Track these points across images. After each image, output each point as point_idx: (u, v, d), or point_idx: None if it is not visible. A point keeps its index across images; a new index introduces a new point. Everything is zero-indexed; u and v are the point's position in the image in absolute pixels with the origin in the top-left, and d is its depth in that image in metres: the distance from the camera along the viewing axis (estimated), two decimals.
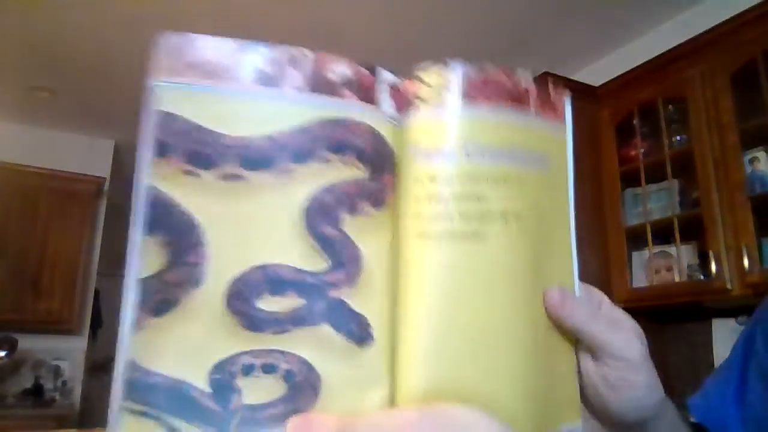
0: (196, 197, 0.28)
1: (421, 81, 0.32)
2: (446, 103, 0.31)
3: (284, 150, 0.29)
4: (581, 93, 2.45)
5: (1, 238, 3.38)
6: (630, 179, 2.29)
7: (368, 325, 0.29)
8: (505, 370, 0.30)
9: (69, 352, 3.67)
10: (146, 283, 0.26)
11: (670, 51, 2.15)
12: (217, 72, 0.29)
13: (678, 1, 2.43)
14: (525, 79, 0.33)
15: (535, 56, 2.80)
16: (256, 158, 0.28)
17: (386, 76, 0.32)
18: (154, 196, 0.27)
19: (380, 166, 0.31)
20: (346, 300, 0.29)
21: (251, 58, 0.29)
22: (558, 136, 0.35)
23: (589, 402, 0.35)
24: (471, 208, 0.30)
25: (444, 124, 0.31)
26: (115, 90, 3.27)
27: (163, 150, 0.27)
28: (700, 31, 2.05)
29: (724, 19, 1.98)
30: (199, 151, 0.28)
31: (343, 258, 0.29)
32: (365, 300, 0.29)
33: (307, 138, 0.29)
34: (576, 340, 0.35)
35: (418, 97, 0.31)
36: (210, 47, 0.29)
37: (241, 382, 0.27)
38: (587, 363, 0.35)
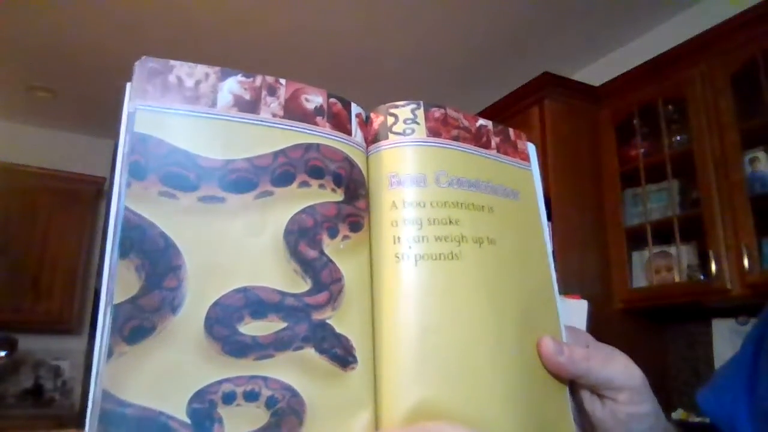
0: (173, 219, 0.27)
1: (391, 115, 0.33)
2: (416, 135, 0.33)
3: (264, 173, 0.29)
4: (581, 93, 2.45)
5: (1, 238, 3.38)
6: (630, 179, 2.29)
7: (352, 347, 0.29)
8: (489, 388, 0.30)
9: (69, 352, 3.66)
10: (120, 309, 0.25)
11: (670, 51, 2.15)
12: (196, 97, 0.29)
13: (678, 1, 2.43)
14: (483, 123, 0.36)
15: (535, 56, 2.79)
16: (235, 181, 0.28)
17: (356, 108, 0.34)
18: (129, 218, 0.26)
19: (355, 191, 0.32)
20: (329, 322, 0.29)
21: (229, 85, 0.30)
22: (525, 171, 0.37)
23: None
24: (445, 232, 0.31)
25: (415, 153, 0.32)
26: (115, 90, 3.25)
27: (139, 172, 0.27)
28: (700, 31, 2.05)
29: (724, 19, 1.97)
30: (176, 172, 0.27)
31: (325, 279, 0.29)
32: (347, 322, 0.29)
33: (286, 162, 0.30)
34: (574, 384, 0.35)
35: (389, 129, 0.33)
36: (188, 73, 0.29)
37: (222, 411, 0.26)
38: (594, 405, 0.34)
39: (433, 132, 0.33)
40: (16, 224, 3.43)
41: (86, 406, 0.25)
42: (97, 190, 3.76)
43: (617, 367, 0.34)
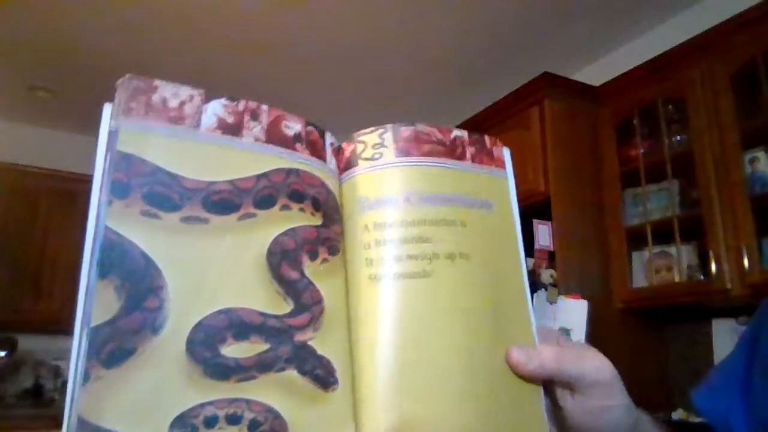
0: (155, 239, 0.27)
1: (360, 143, 0.35)
2: (384, 159, 0.34)
3: (247, 195, 0.29)
4: (581, 93, 2.45)
5: (1, 238, 3.38)
6: (630, 179, 2.29)
7: (333, 368, 0.29)
8: (464, 402, 0.30)
9: (69, 352, 3.66)
10: (98, 332, 0.24)
11: (670, 51, 2.15)
12: (180, 117, 0.29)
13: (678, 1, 2.43)
14: (458, 134, 0.36)
15: (535, 56, 2.79)
16: (218, 202, 0.29)
17: (329, 137, 0.35)
18: (110, 237, 0.26)
19: (331, 216, 0.32)
20: (310, 344, 0.29)
21: (213, 107, 0.30)
22: (500, 179, 0.37)
23: None
24: (416, 251, 0.32)
25: (384, 177, 0.33)
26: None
27: (121, 191, 0.27)
28: (700, 31, 2.05)
29: (724, 19, 1.97)
30: (159, 192, 0.27)
31: (306, 301, 0.29)
32: (329, 342, 0.29)
33: (268, 185, 0.30)
34: (548, 381, 0.35)
35: (359, 156, 0.34)
36: (173, 93, 0.29)
37: None
38: (566, 400, 0.35)
39: (402, 152, 0.34)
40: (16, 224, 3.43)
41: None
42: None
43: (588, 364, 0.35)
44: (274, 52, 2.90)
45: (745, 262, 1.82)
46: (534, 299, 2.12)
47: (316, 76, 3.12)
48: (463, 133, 0.37)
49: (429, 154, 0.35)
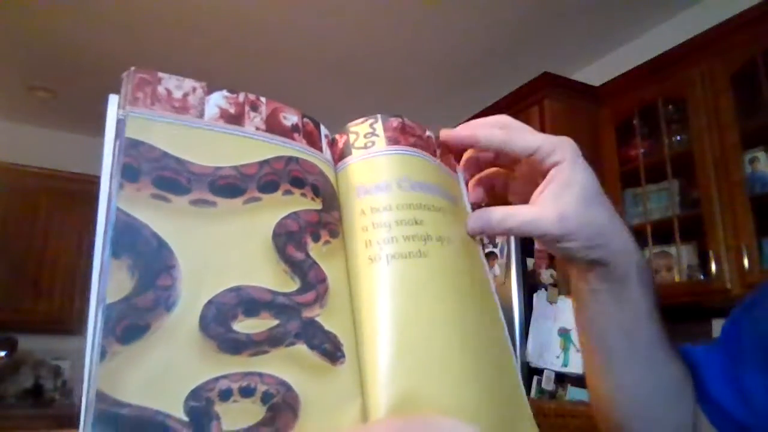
0: (166, 220, 0.27)
1: (352, 133, 0.37)
2: (376, 147, 0.36)
3: (251, 180, 0.31)
4: (581, 93, 2.45)
5: (1, 238, 3.38)
6: (630, 179, 2.29)
7: (340, 343, 0.30)
8: (461, 374, 0.32)
9: (69, 352, 3.66)
10: (113, 309, 0.25)
11: (670, 51, 2.15)
12: (184, 108, 0.30)
13: (678, 1, 2.43)
14: (430, 134, 0.39)
15: (535, 56, 2.79)
16: (225, 186, 0.30)
17: (324, 129, 0.36)
18: (122, 218, 0.27)
19: (330, 202, 0.34)
20: (317, 320, 0.30)
21: (215, 99, 0.32)
22: (455, 182, 0.40)
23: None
24: (412, 232, 0.33)
25: (377, 164, 0.35)
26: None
27: (132, 174, 0.28)
28: (700, 31, 2.05)
29: (724, 19, 1.98)
30: (168, 177, 0.28)
31: (312, 280, 0.31)
32: (334, 319, 0.31)
33: (270, 171, 0.32)
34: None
35: (352, 146, 0.36)
36: (176, 85, 0.31)
37: (219, 408, 0.26)
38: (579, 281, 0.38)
39: (392, 141, 0.36)
40: (16, 224, 3.43)
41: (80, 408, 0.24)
42: (97, 190, 3.76)
43: (517, 137, 0.37)
44: (274, 53, 2.90)
45: (745, 262, 1.82)
46: (534, 299, 2.12)
47: (316, 77, 3.12)
48: (432, 133, 0.39)
49: (414, 145, 0.37)
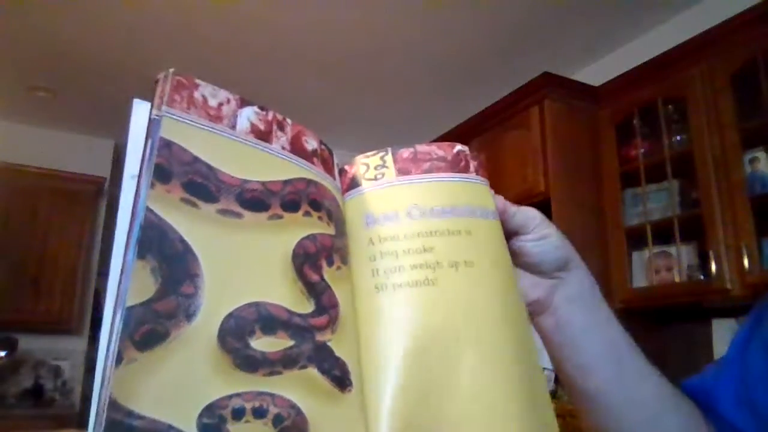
0: (193, 226, 0.27)
1: (363, 165, 0.37)
2: (386, 178, 0.36)
3: (275, 197, 0.31)
4: (581, 93, 2.45)
5: (1, 238, 3.38)
6: (630, 179, 2.29)
7: (348, 370, 0.30)
8: (474, 404, 0.31)
9: (69, 352, 3.66)
10: (133, 312, 0.24)
11: (670, 51, 2.15)
12: (218, 117, 0.30)
13: (678, 1, 2.43)
14: (461, 149, 0.39)
15: (535, 56, 2.79)
16: (251, 199, 0.30)
17: (336, 157, 0.37)
18: (150, 218, 0.26)
19: (341, 228, 0.34)
20: (329, 344, 0.30)
21: (247, 112, 0.32)
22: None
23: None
24: (420, 260, 0.33)
25: (387, 195, 0.36)
26: (115, 90, 3.26)
27: (163, 175, 0.27)
28: (700, 31, 2.05)
29: (724, 19, 1.97)
30: (199, 182, 0.28)
31: (325, 303, 0.31)
32: (343, 346, 0.31)
33: (293, 191, 0.32)
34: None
35: (362, 177, 0.37)
36: (212, 94, 0.31)
37: (231, 427, 0.25)
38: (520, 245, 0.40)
39: (403, 172, 0.37)
40: (16, 224, 3.43)
41: (88, 411, 0.23)
42: (97, 190, 3.76)
43: (521, 215, 0.40)
44: (274, 53, 2.90)
45: (745, 262, 1.82)
46: None
47: (316, 77, 3.12)
48: (465, 148, 0.39)
49: (429, 171, 0.37)
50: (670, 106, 2.19)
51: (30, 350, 3.51)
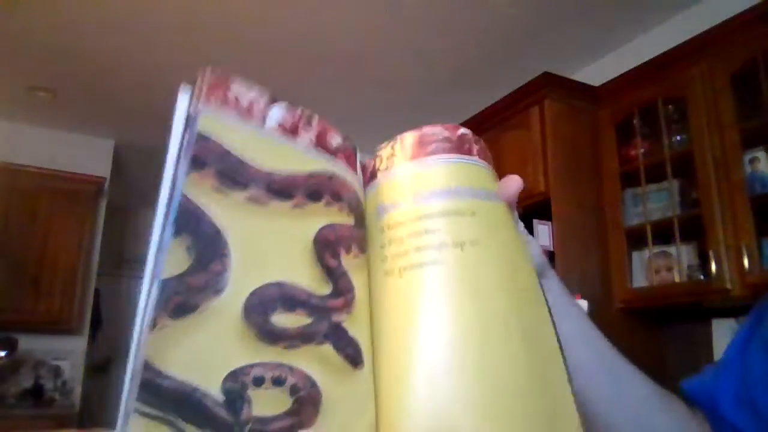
0: (223, 212, 0.30)
1: (377, 157, 0.39)
2: (395, 167, 0.38)
3: (300, 188, 0.34)
4: (581, 93, 2.45)
5: (1, 238, 3.38)
6: (630, 179, 2.29)
7: (360, 350, 0.33)
8: (481, 384, 0.31)
9: (69, 352, 3.67)
10: (167, 284, 0.27)
11: (670, 51, 2.15)
12: (249, 113, 0.33)
13: (678, 1, 2.43)
14: (464, 132, 0.39)
15: (535, 56, 2.79)
16: (277, 189, 0.32)
17: (359, 154, 0.40)
18: (186, 201, 0.29)
19: (360, 220, 0.37)
20: (343, 325, 0.32)
21: (276, 109, 0.34)
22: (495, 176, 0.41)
23: None
24: (424, 242, 0.35)
25: (395, 182, 0.37)
26: (115, 90, 3.27)
27: (198, 165, 0.30)
28: (700, 31, 2.05)
29: (724, 19, 1.97)
30: (229, 174, 0.31)
31: (342, 287, 0.33)
32: (357, 327, 0.33)
33: (316, 183, 0.34)
34: None
35: (378, 169, 0.39)
36: (245, 90, 0.33)
37: (251, 392, 0.27)
38: None
39: (409, 157, 0.38)
40: (16, 224, 3.43)
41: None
42: (97, 190, 3.76)
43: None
44: (275, 53, 2.90)
45: (745, 262, 1.82)
46: None
47: (316, 77, 3.12)
48: (468, 131, 0.40)
49: (433, 152, 0.38)
50: (670, 106, 2.19)
51: (30, 350, 3.51)
